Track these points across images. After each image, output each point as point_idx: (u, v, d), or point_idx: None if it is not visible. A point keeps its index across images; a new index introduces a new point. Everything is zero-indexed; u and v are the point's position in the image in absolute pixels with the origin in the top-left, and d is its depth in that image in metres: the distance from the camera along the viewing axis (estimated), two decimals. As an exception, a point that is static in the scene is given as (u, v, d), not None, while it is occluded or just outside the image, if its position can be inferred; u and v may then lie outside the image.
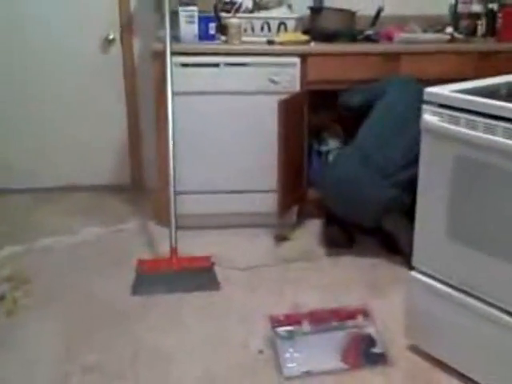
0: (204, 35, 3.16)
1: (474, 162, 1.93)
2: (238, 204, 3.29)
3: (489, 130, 1.87)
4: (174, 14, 3.11)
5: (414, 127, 2.87)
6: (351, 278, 2.83)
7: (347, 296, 2.67)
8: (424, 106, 2.07)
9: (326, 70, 3.15)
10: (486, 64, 3.18)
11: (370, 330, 2.32)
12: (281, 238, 3.20)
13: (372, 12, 3.39)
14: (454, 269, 2.08)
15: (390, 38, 3.31)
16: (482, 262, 1.96)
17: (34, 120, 3.76)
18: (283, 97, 3.01)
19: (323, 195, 3.05)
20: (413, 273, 2.23)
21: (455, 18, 3.53)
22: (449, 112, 1.98)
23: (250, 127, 3.18)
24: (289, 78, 3.11)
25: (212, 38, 3.18)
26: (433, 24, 3.50)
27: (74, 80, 3.69)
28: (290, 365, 2.18)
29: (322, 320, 2.34)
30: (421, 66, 3.16)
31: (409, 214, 2.87)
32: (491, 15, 3.45)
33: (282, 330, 2.30)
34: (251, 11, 3.32)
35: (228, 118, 3.17)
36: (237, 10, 3.27)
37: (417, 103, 2.94)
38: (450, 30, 3.45)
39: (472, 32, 3.47)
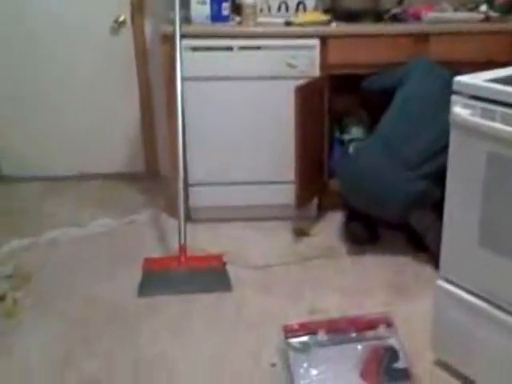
0: (217, 16, 2.94)
1: (511, 161, 1.70)
2: (253, 196, 3.10)
3: (529, 126, 1.64)
4: (186, -6, 2.90)
5: (440, 115, 2.66)
6: (375, 279, 2.62)
7: (370, 300, 2.47)
8: (453, 98, 1.83)
9: (348, 52, 2.91)
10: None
11: (393, 341, 2.11)
12: (299, 233, 3.01)
13: (399, -11, 3.13)
14: (486, 280, 1.86)
15: (418, 18, 3.03)
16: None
17: (43, 107, 3.61)
18: (301, 82, 2.79)
19: (343, 189, 2.84)
20: (440, 282, 2.01)
21: (490, -6, 3.23)
22: (482, 105, 1.75)
23: (266, 114, 2.97)
24: (307, 61, 2.88)
25: (225, 18, 2.97)
26: (465, 2, 3.20)
27: (84, 64, 3.52)
28: (303, 381, 2.00)
29: (339, 330, 2.14)
30: (452, 47, 2.89)
31: (437, 208, 2.69)
32: (530, -9, 3.15)
33: (296, 341, 2.10)
34: (268, -10, 3.08)
35: (242, 104, 2.96)
36: (253, -11, 3.04)
37: (443, 90, 2.73)
38: (484, 8, 3.14)
39: (508, 10, 3.16)
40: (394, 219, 2.74)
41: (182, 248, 2.63)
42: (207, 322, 2.37)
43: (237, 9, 2.98)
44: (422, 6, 3.09)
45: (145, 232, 3.09)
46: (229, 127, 3.00)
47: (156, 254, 2.82)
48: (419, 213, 2.65)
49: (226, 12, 2.95)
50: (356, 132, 3.17)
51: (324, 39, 2.89)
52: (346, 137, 3.17)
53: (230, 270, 2.66)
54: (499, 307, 1.83)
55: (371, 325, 2.16)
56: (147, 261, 2.64)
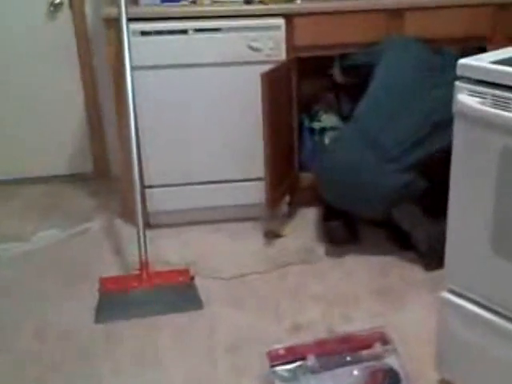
0: (167, -5, 2.61)
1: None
2: (217, 196, 2.79)
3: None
4: (130, -30, 2.55)
5: (421, 99, 2.41)
6: (359, 285, 2.37)
7: (357, 309, 2.22)
8: (457, 84, 1.56)
9: (316, 32, 2.61)
10: (506, 18, 2.67)
11: (392, 361, 1.86)
12: (272, 235, 2.72)
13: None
14: (500, 291, 1.61)
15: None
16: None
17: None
18: (267, 67, 2.48)
19: (320, 185, 2.56)
20: (445, 294, 1.76)
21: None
22: (494, 91, 1.48)
23: (228, 105, 2.65)
24: (272, 43, 2.57)
25: (177, -2, 2.63)
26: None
27: (17, 56, 3.12)
28: (294, 419, 1.73)
29: (331, 352, 1.88)
30: (428, 23, 2.64)
31: (423, 201, 2.45)
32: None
33: (282, 369, 1.83)
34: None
35: (201, 95, 2.63)
36: (206, -37, 2.70)
37: (421, 69, 2.48)
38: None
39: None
40: (377, 216, 2.49)
41: (144, 264, 2.31)
42: (176, 348, 2.07)
43: (190, -14, 2.65)
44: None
45: (99, 243, 2.74)
46: (187, 121, 2.67)
47: (113, 269, 2.50)
48: (404, 208, 2.40)
49: (177, -10, 2.62)
50: (327, 120, 2.89)
51: (289, 18, 2.58)
52: (317, 125, 2.88)
53: (199, 283, 2.36)
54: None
55: (365, 343, 1.91)
56: (104, 281, 2.31)
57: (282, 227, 2.77)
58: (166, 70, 2.58)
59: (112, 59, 2.58)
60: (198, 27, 2.54)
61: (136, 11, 2.54)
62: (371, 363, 1.85)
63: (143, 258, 2.32)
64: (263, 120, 2.47)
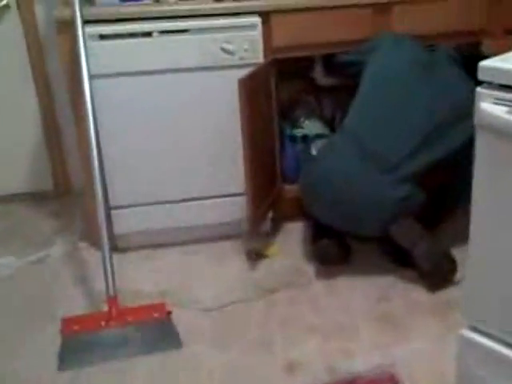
0: (127, -7, 2.32)
1: None
2: (192, 215, 2.51)
3: None
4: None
5: (419, 99, 2.18)
6: (357, 311, 2.12)
7: (357, 341, 1.97)
8: (479, 90, 1.33)
9: (296, 30, 2.35)
10: (501, 10, 2.45)
11: (404, 407, 1.64)
12: (255, 256, 2.46)
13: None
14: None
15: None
16: None
17: None
18: (242, 71, 2.21)
19: (308, 203, 2.31)
20: (466, 332, 1.52)
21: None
22: (526, 99, 1.25)
23: (201, 114, 2.38)
24: (248, 45, 2.30)
25: (138, -4, 2.34)
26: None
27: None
28: None
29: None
30: (419, 18, 2.40)
31: (423, 214, 2.22)
32: None
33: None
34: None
35: (171, 104, 2.35)
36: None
37: (419, 67, 2.25)
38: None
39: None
40: (373, 234, 2.25)
41: (112, 300, 2.02)
42: (155, 399, 1.80)
43: (152, -17, 2.37)
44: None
45: (60, 272, 2.44)
46: (156, 133, 2.38)
47: (78, 304, 2.20)
48: (402, 224, 2.16)
49: (138, -12, 2.33)
50: (310, 126, 2.63)
51: (266, 16, 2.32)
52: (299, 132, 2.63)
53: (176, 316, 2.09)
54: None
55: (374, 388, 1.67)
56: (67, 321, 2.01)
57: (265, 245, 2.51)
58: (129, 78, 2.29)
59: (67, 67, 2.28)
60: (163, 29, 2.25)
61: (93, 12, 2.25)
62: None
63: (111, 292, 2.03)
64: (242, 130, 2.21)
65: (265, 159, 2.44)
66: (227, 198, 2.50)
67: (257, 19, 2.30)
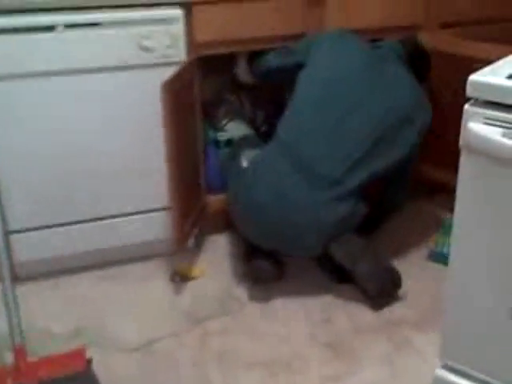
0: (23, -22, 1.95)
1: None
2: (106, 235, 2.20)
3: None
4: None
5: (364, 108, 2.00)
6: (301, 338, 1.92)
7: (305, 374, 1.78)
8: (467, 108, 1.15)
9: (221, 24, 2.09)
10: (438, 3, 2.33)
11: None
12: (180, 278, 2.20)
13: None
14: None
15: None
16: None
17: None
18: (164, 70, 1.94)
19: (239, 223, 2.08)
20: (442, 372, 1.37)
21: None
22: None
23: (115, 121, 2.07)
24: (169, 40, 2.02)
25: (37, -18, 1.98)
26: None
27: None
28: None
29: None
30: (354, 11, 2.22)
31: (364, 228, 2.07)
32: None
33: None
34: None
35: (79, 110, 2.02)
36: None
37: (366, 67, 2.06)
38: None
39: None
40: (312, 254, 2.06)
41: (19, 350, 1.68)
42: None
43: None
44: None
45: None
46: (60, 144, 2.04)
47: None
48: (343, 242, 1.98)
49: (35, -28, 1.97)
50: (234, 129, 2.39)
51: (188, 8, 2.04)
52: (222, 136, 2.38)
53: (96, 359, 1.77)
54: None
55: None
56: (-38, 380, 1.66)
57: (190, 265, 2.26)
58: (28, 80, 1.93)
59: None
60: (69, 22, 1.92)
61: (-19, 0, 1.88)
62: None
63: (18, 339, 1.70)
64: (166, 137, 1.94)
65: (189, 168, 2.18)
66: (143, 215, 2.22)
67: (179, 11, 2.02)
